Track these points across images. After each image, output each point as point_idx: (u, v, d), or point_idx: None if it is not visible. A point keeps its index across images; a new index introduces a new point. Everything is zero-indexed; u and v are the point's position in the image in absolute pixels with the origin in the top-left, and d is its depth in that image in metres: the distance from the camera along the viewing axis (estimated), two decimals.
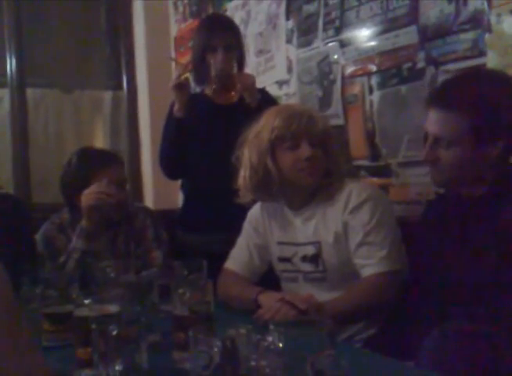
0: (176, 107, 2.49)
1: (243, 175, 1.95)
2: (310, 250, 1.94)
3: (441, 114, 1.62)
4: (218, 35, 2.48)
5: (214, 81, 2.42)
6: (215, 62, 2.44)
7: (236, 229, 2.14)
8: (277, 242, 2.03)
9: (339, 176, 1.94)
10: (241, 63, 2.58)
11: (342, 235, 1.89)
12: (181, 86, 2.46)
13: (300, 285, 1.97)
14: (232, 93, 2.44)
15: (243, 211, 2.13)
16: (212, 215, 2.51)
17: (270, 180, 1.90)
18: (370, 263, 1.83)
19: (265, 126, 1.92)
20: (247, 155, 1.94)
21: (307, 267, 1.95)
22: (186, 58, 3.77)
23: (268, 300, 1.76)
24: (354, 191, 1.90)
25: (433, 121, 1.64)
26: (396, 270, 1.82)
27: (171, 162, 2.60)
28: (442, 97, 1.64)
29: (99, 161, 2.31)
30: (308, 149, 1.87)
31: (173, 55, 4.00)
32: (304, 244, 1.96)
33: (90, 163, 2.30)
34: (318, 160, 1.90)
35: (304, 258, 1.96)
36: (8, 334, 0.66)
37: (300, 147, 1.88)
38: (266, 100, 2.49)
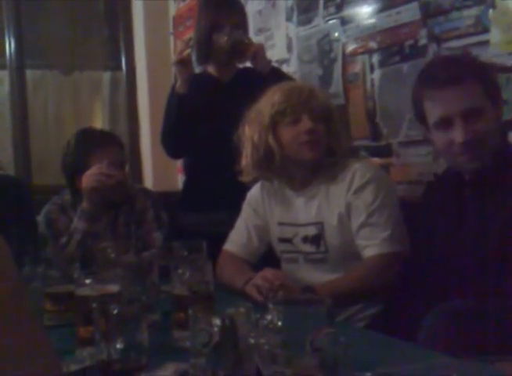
0: (178, 83, 2.49)
1: (245, 153, 1.94)
2: (311, 230, 1.93)
3: (457, 89, 1.57)
4: (225, 14, 2.47)
5: (226, 47, 2.43)
6: (220, 40, 2.44)
7: (237, 209, 2.13)
8: (277, 222, 2.01)
9: (342, 155, 1.92)
10: None
11: (345, 216, 1.87)
12: (183, 62, 2.45)
13: (300, 266, 1.97)
14: (243, 58, 2.45)
15: (245, 190, 2.12)
16: (214, 194, 2.50)
17: (272, 157, 1.89)
18: (372, 244, 1.82)
19: (265, 103, 1.91)
20: (248, 132, 1.94)
21: (307, 248, 1.94)
22: (186, 37, 3.76)
23: (254, 290, 1.74)
24: (358, 171, 1.88)
25: (451, 99, 1.58)
26: (398, 252, 1.81)
27: (173, 140, 2.59)
28: (448, 73, 1.59)
29: (98, 142, 2.31)
30: (308, 122, 1.86)
31: (171, 35, 3.98)
32: (306, 225, 1.94)
33: (89, 143, 2.30)
34: (319, 135, 1.88)
35: (305, 239, 1.94)
36: (11, 313, 0.66)
37: (300, 121, 1.86)
38: (276, 70, 2.50)
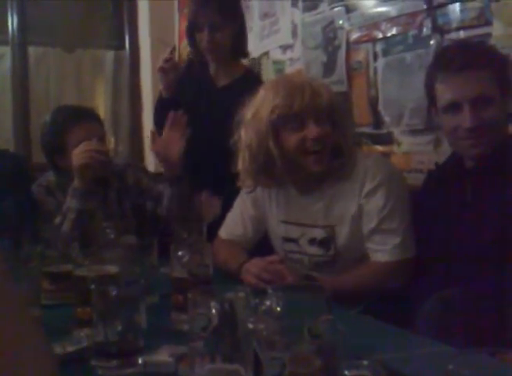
0: (161, 87, 2.49)
1: (243, 160, 1.82)
2: (320, 233, 1.83)
3: (470, 75, 1.58)
4: (202, 13, 2.41)
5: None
6: (202, 42, 2.42)
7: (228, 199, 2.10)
8: (281, 220, 1.92)
9: (350, 153, 1.80)
10: (238, 41, 2.49)
11: (358, 218, 1.79)
12: (165, 70, 2.43)
13: (304, 267, 1.87)
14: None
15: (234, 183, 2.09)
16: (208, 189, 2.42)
17: (272, 164, 1.77)
18: (383, 249, 1.77)
19: (263, 105, 1.76)
20: (245, 138, 1.79)
21: (314, 250, 1.85)
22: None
23: (251, 278, 1.71)
24: (369, 172, 1.78)
25: (462, 85, 1.59)
26: (408, 258, 1.76)
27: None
28: (463, 59, 1.60)
29: (74, 118, 2.25)
30: (314, 128, 1.72)
31: (176, 16, 3.96)
32: (313, 227, 1.85)
33: (64, 119, 2.26)
34: (326, 140, 1.75)
35: (313, 241, 1.85)
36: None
37: (305, 127, 1.73)
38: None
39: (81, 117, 2.27)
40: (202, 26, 2.39)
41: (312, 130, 1.72)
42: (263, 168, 1.79)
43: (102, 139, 2.27)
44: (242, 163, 1.82)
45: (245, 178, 1.86)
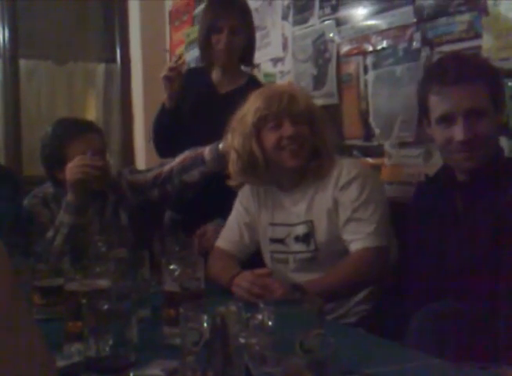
0: (165, 97, 2.48)
1: (231, 161, 1.96)
2: (302, 229, 1.94)
3: (465, 88, 1.59)
4: (224, 15, 2.43)
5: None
6: (219, 44, 2.42)
7: (226, 213, 2.14)
8: (269, 223, 2.02)
9: (328, 156, 1.93)
10: (250, 47, 2.53)
11: (333, 212, 1.90)
12: (170, 79, 2.43)
13: (289, 266, 1.98)
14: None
15: (233, 194, 2.13)
16: (203, 200, 2.42)
17: (255, 163, 1.91)
18: (358, 238, 1.85)
19: (248, 110, 1.93)
20: (232, 141, 1.96)
21: (298, 247, 1.95)
22: (181, 32, 3.75)
23: (241, 292, 1.75)
24: (344, 168, 1.91)
25: (457, 97, 1.60)
26: (383, 246, 1.85)
27: (160, 142, 2.61)
28: (459, 71, 1.61)
29: (74, 131, 2.25)
30: (290, 127, 1.87)
31: (167, 29, 3.97)
32: (297, 224, 1.95)
33: (65, 132, 2.25)
34: (302, 139, 1.89)
35: (297, 239, 1.95)
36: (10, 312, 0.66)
37: (282, 126, 1.88)
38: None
39: (81, 129, 2.27)
40: (222, 27, 2.41)
41: (287, 129, 1.88)
42: (248, 167, 1.94)
43: (102, 152, 2.26)
44: (231, 164, 1.97)
45: (235, 178, 2.01)
